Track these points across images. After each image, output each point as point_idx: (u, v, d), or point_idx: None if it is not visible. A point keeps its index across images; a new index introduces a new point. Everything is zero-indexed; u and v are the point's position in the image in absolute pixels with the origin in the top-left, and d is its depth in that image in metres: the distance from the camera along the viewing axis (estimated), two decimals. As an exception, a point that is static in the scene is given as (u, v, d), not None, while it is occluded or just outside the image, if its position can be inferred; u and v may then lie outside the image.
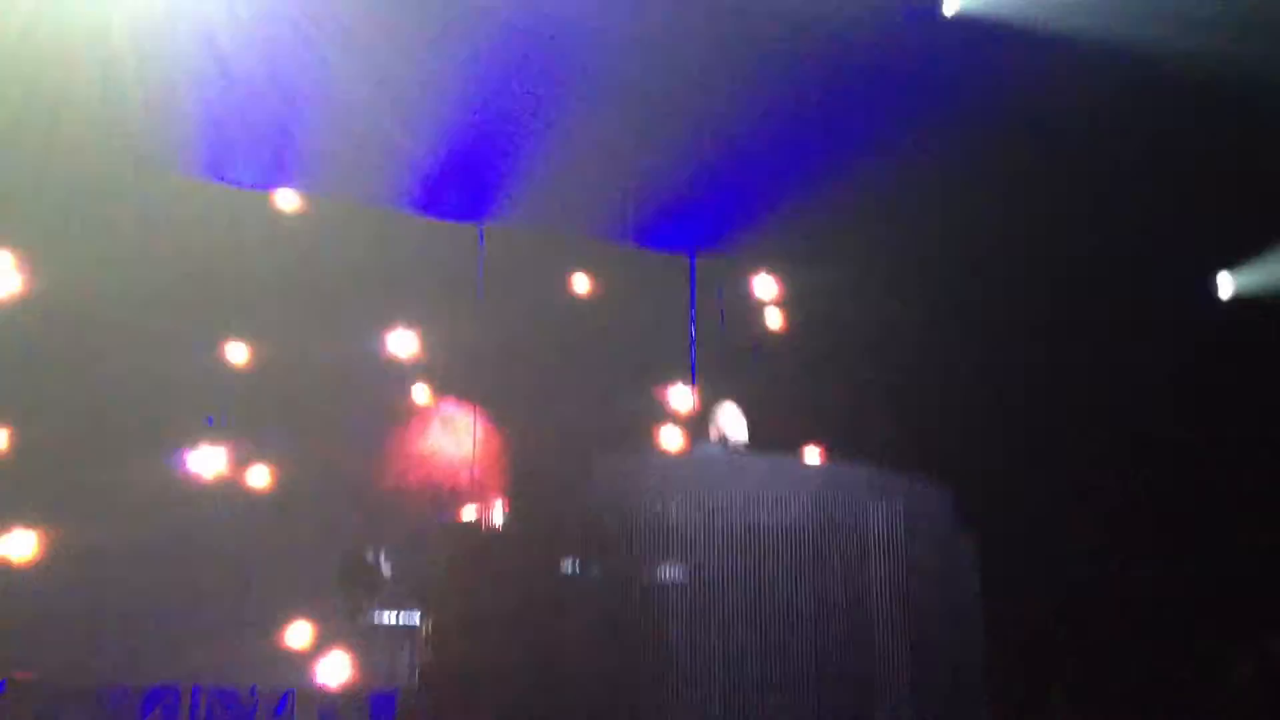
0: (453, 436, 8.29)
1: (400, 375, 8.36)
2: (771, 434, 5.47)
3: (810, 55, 7.10)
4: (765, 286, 9.38)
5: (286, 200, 8.30)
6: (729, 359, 8.91)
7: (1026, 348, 8.68)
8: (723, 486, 4.29)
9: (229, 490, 7.72)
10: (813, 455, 8.71)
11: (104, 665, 7.26)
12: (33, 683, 7.04)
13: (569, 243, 8.96)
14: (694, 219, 8.79)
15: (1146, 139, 7.59)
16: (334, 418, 7.94)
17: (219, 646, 7.37)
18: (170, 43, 6.76)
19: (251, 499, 7.77)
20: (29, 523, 7.26)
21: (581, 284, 8.96)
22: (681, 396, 8.98)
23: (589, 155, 7.91)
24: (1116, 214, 8.20)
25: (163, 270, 7.63)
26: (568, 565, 4.33)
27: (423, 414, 8.34)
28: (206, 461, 7.70)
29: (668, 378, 9.03)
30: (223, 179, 8.11)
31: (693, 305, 9.19)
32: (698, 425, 6.09)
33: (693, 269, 9.27)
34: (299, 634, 7.57)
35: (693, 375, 9.02)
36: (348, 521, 7.77)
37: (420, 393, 8.41)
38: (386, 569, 5.96)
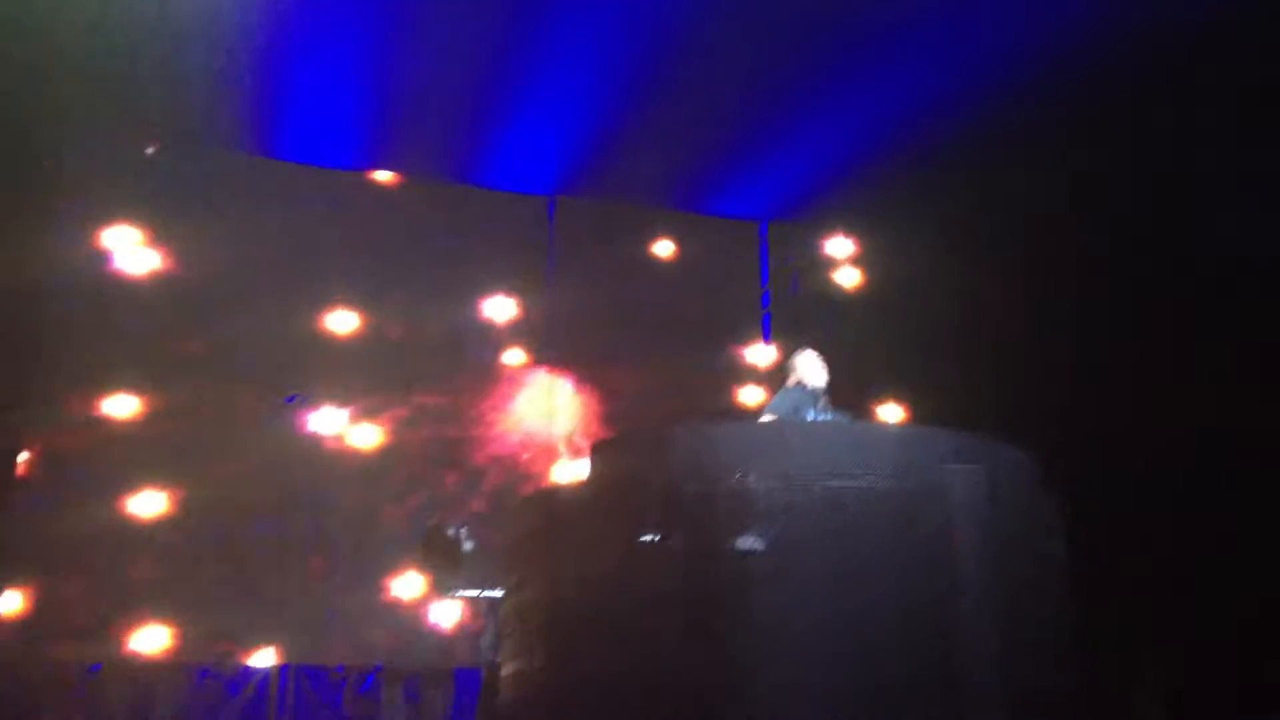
0: (543, 402, 8.39)
1: (496, 341, 8.53)
2: (851, 397, 5.42)
3: (882, 9, 6.97)
4: (840, 248, 9.27)
5: (382, 179, 8.53)
6: (804, 322, 8.85)
7: (1114, 307, 8.46)
8: (804, 452, 4.24)
9: (342, 450, 8.02)
10: (894, 418, 8.66)
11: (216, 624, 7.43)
12: (128, 662, 7.22)
13: (645, 212, 8.96)
14: (766, 185, 8.69)
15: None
16: (435, 382, 8.24)
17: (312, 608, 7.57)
18: (274, 35, 7.02)
19: (362, 459, 8.05)
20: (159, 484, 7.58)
21: (661, 251, 8.95)
22: (760, 357, 8.95)
23: (659, 125, 7.90)
24: (1208, 172, 7.97)
25: (274, 247, 8.08)
26: (650, 533, 4.31)
27: (517, 378, 8.44)
28: (324, 422, 8.00)
29: (746, 339, 9.01)
30: (324, 162, 8.34)
31: (764, 269, 9.16)
32: (776, 382, 6.03)
33: (764, 232, 9.22)
34: (397, 599, 7.74)
35: (766, 335, 8.98)
36: (443, 483, 7.99)
37: (514, 357, 8.50)
38: (467, 543, 5.98)
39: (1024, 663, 4.27)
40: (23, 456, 7.31)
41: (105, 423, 7.58)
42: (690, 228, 9.07)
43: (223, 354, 7.79)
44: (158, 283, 7.93)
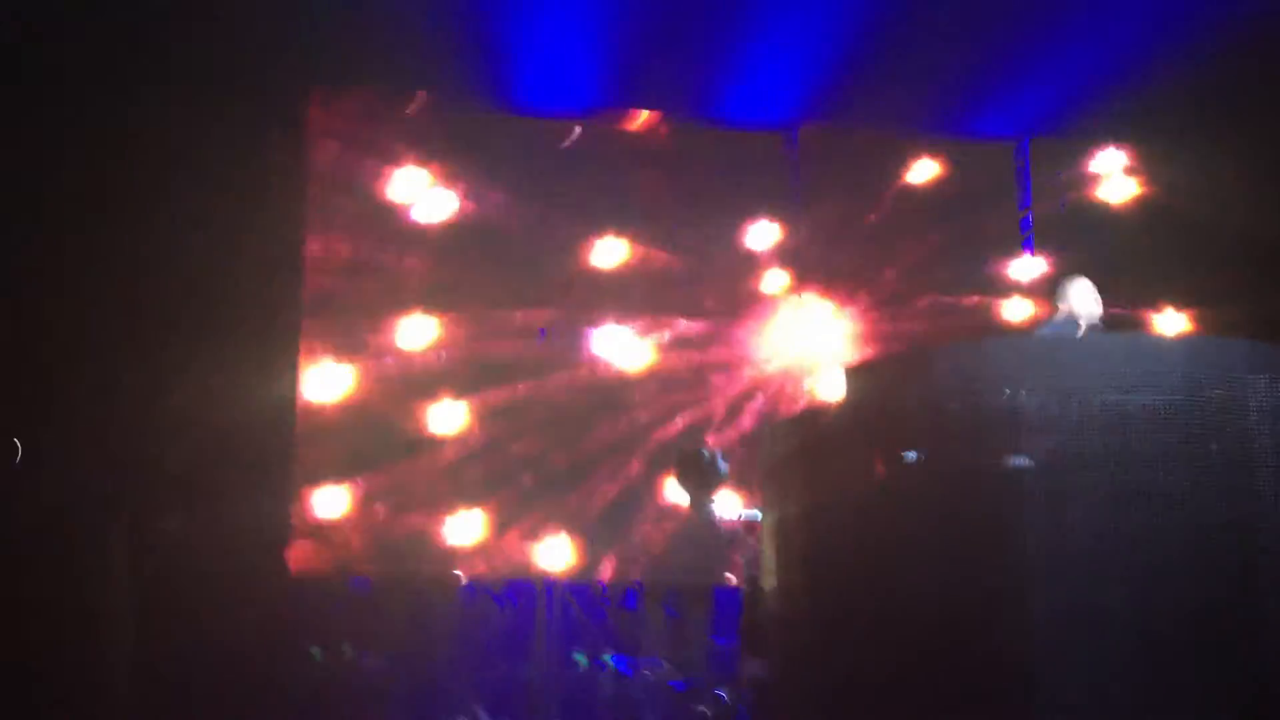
0: (804, 327, 8.34)
1: (757, 267, 8.52)
2: (1128, 306, 5.11)
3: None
4: (1111, 160, 8.75)
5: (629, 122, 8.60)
6: (1074, 238, 8.42)
7: None
8: (1079, 366, 4.01)
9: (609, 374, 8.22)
10: (1179, 329, 8.17)
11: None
12: (403, 576, 7.61)
13: (897, 139, 8.74)
14: (1026, 101, 8.27)
15: None
16: (699, 309, 8.32)
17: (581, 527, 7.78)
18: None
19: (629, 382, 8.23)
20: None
21: (917, 175, 8.75)
22: (1026, 269, 8.61)
23: (907, 49, 7.61)
24: None
25: (536, 194, 8.22)
26: (912, 455, 4.18)
27: (777, 304, 8.39)
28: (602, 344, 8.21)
29: (1008, 252, 8.68)
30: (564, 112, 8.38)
31: (1027, 184, 8.76)
32: (1047, 300, 5.78)
33: (1025, 149, 8.80)
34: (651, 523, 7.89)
35: (1028, 246, 8.59)
36: (706, 406, 8.04)
37: (775, 283, 8.46)
38: (724, 465, 5.98)
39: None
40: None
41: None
42: (947, 150, 8.73)
43: (504, 285, 8.05)
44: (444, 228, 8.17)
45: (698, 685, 7.26)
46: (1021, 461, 4.03)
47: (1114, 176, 8.78)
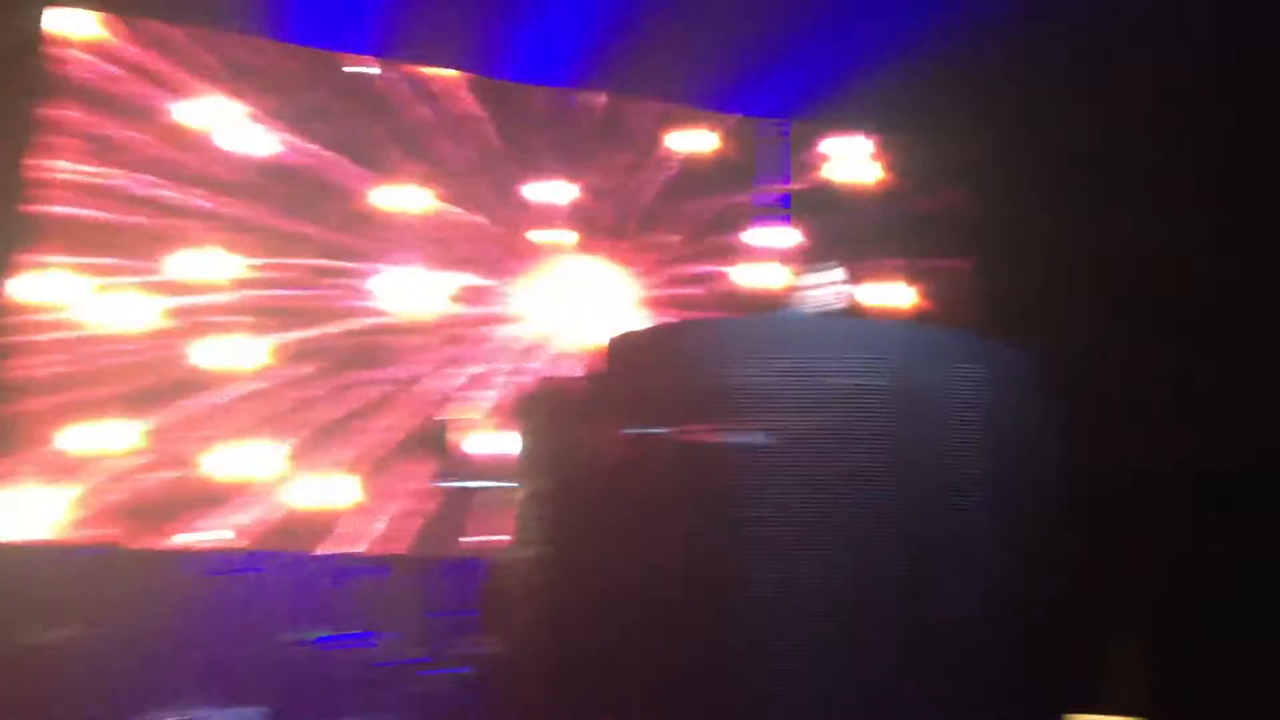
0: (585, 288, 8.34)
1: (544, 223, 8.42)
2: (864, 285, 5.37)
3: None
4: (857, 148, 9.18)
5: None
6: (825, 213, 8.85)
7: (1125, 219, 8.42)
8: (800, 346, 4.24)
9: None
10: (896, 316, 8.68)
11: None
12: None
13: (661, 107, 8.87)
14: (788, 85, 8.56)
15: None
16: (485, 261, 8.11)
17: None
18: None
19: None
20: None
21: (677, 144, 8.93)
22: (783, 241, 8.87)
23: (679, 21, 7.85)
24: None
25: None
26: (656, 426, 4.33)
27: (562, 263, 8.42)
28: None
29: (770, 224, 8.93)
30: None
31: (787, 166, 9.08)
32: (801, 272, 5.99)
33: (786, 132, 9.13)
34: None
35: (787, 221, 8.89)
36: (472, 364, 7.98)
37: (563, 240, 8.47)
38: (461, 436, 6.01)
39: (1013, 565, 4.30)
40: None
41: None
42: (721, 124, 8.94)
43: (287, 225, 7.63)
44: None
45: (425, 660, 7.20)
46: (748, 439, 4.24)
47: (862, 160, 9.19)
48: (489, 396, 7.94)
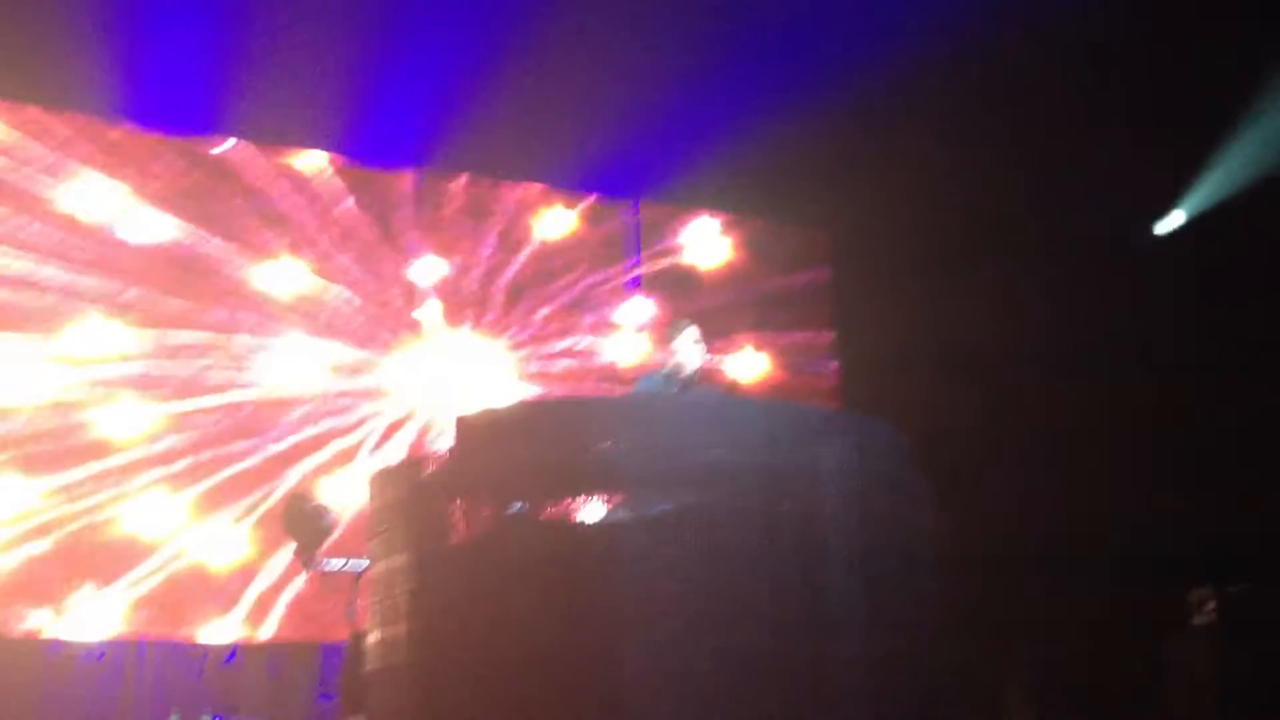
0: (450, 364, 8.38)
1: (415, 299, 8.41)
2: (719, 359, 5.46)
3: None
4: (708, 226, 9.35)
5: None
6: (677, 289, 9.10)
7: (983, 291, 8.70)
8: (671, 424, 4.22)
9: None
10: (762, 394, 8.83)
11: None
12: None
13: (518, 187, 8.90)
14: (635, 165, 8.80)
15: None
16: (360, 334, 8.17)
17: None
18: None
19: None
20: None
21: (537, 226, 8.94)
22: (638, 316, 8.97)
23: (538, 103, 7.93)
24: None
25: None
26: (514, 504, 4.26)
27: (431, 338, 8.40)
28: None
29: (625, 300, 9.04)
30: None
31: (638, 248, 9.24)
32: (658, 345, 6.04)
33: (635, 211, 9.31)
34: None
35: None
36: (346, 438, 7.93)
37: (431, 316, 8.47)
38: (331, 515, 5.87)
39: (893, 636, 4.30)
40: None
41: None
42: (564, 203, 9.05)
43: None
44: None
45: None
46: (616, 515, 4.19)
47: (709, 239, 9.34)
48: (356, 469, 7.86)
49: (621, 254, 9.13)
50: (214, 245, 7.76)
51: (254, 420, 7.67)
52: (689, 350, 5.76)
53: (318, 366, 8.05)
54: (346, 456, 8.01)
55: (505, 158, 8.61)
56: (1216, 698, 6.53)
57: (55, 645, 7.21)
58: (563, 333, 8.79)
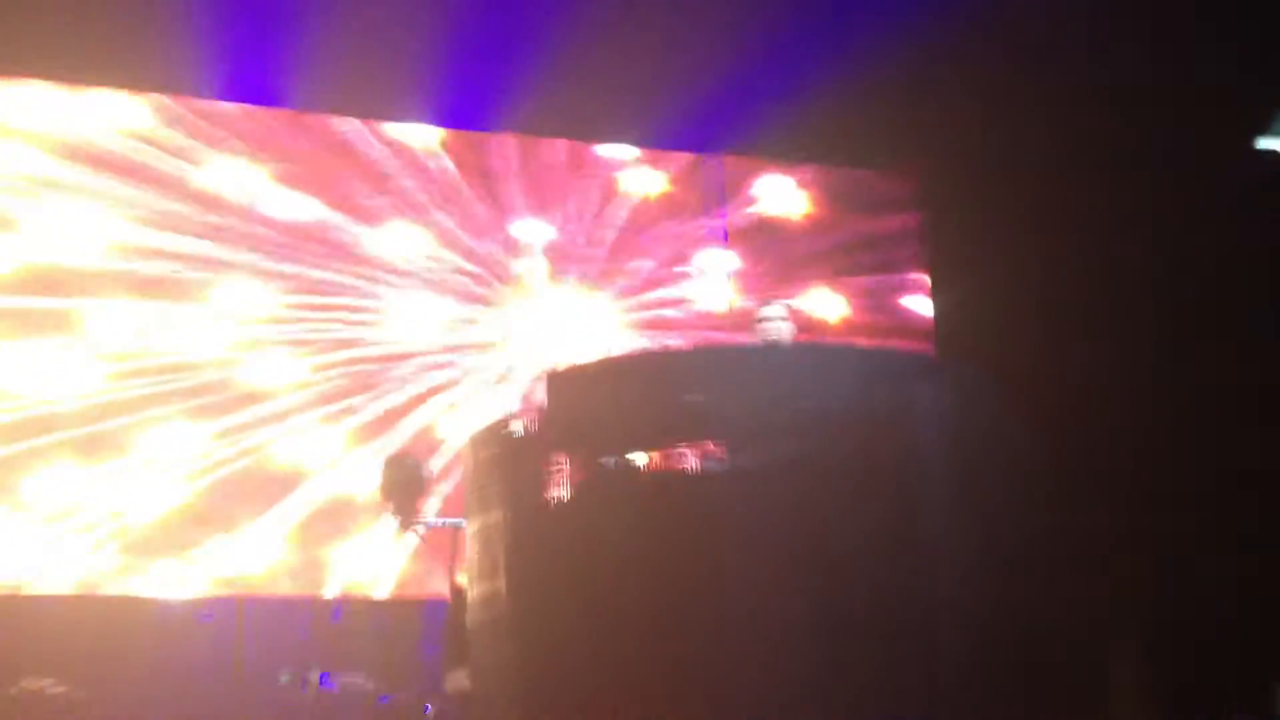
0: (553, 319, 8.57)
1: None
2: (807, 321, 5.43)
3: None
4: (791, 178, 9.31)
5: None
6: (762, 241, 9.05)
7: (1086, 239, 8.50)
8: (760, 374, 4.20)
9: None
10: (855, 340, 8.77)
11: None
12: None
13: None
14: (720, 119, 8.72)
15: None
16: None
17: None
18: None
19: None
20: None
21: (628, 183, 9.00)
22: (728, 269, 9.00)
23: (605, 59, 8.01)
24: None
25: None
26: (609, 456, 4.27)
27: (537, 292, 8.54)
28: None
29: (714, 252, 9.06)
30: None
31: (722, 200, 9.21)
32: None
33: (719, 166, 9.27)
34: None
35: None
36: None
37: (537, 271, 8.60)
38: (427, 472, 5.96)
39: (995, 579, 4.25)
40: None
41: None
42: (654, 161, 9.07)
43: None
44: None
45: (405, 698, 7.16)
46: (710, 466, 4.19)
47: (794, 189, 9.32)
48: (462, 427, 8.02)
49: (712, 206, 9.11)
50: (334, 215, 8.00)
51: (374, 374, 7.93)
52: (779, 325, 5.78)
53: (430, 322, 8.25)
54: (453, 409, 8.17)
55: (594, 118, 8.63)
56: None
57: (167, 605, 7.41)
58: (658, 283, 8.84)
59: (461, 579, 5.70)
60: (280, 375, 7.75)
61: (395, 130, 8.35)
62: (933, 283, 9.28)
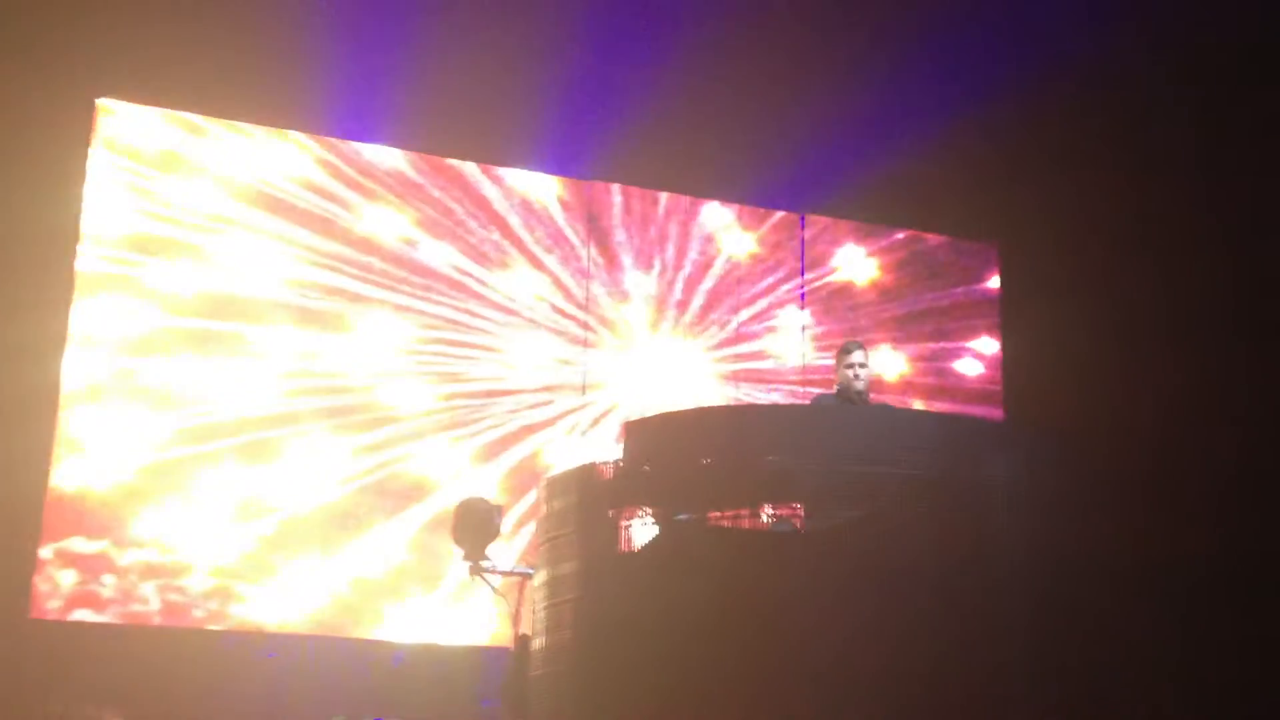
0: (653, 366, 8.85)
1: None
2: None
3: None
4: (863, 243, 9.44)
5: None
6: (836, 304, 9.23)
7: (1154, 301, 8.46)
8: (839, 436, 4.21)
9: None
10: (930, 406, 8.77)
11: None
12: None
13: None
14: (799, 179, 8.92)
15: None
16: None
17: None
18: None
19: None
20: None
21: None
22: (803, 328, 9.13)
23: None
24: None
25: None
26: (684, 512, 4.29)
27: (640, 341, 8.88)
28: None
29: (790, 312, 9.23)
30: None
31: (802, 259, 9.32)
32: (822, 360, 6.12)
33: (801, 223, 9.38)
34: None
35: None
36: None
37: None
38: (500, 519, 5.96)
39: (1062, 649, 4.24)
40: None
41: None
42: (745, 219, 9.25)
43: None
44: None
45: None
46: (786, 525, 4.20)
47: (876, 254, 9.45)
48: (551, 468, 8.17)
49: (796, 267, 9.29)
50: (459, 258, 8.47)
51: (481, 408, 8.34)
52: (855, 371, 5.77)
53: (534, 362, 8.58)
54: (548, 447, 8.46)
55: (691, 174, 8.94)
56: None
57: (229, 638, 7.47)
58: (744, 339, 9.06)
59: (526, 630, 5.69)
60: (412, 401, 8.24)
61: (516, 180, 8.77)
62: (1003, 350, 9.26)
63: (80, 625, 7.24)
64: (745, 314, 9.11)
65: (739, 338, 9.09)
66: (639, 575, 4.36)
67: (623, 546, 4.44)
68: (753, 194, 9.17)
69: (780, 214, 9.32)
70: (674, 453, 4.37)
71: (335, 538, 7.81)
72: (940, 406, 9.06)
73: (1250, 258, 8.30)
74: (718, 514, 4.21)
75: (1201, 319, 8.45)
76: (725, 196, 9.20)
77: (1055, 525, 4.35)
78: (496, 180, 8.68)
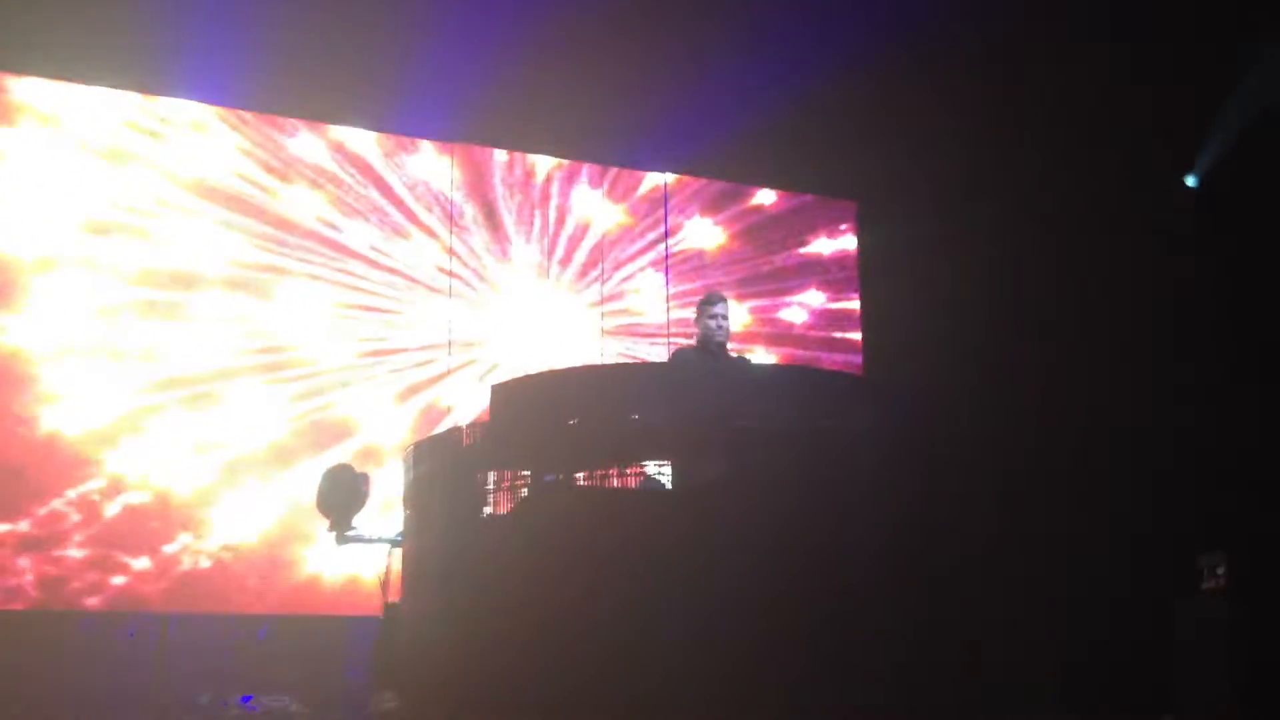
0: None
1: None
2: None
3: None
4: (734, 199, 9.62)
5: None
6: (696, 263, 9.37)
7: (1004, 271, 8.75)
8: (703, 392, 4.23)
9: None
10: (791, 361, 8.93)
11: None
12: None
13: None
14: (671, 139, 9.01)
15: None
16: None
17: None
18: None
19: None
20: None
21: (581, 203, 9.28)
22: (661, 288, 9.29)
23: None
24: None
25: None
26: (550, 473, 4.27)
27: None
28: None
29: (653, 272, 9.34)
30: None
31: (665, 220, 9.42)
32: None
33: (664, 190, 9.46)
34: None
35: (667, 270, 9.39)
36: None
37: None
38: (367, 486, 5.87)
39: (922, 600, 4.34)
40: None
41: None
42: (600, 177, 9.32)
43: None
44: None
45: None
46: (651, 483, 4.21)
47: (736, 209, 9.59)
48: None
49: (659, 224, 9.37)
50: (362, 229, 8.61)
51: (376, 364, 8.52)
52: (718, 322, 5.78)
53: (428, 322, 8.66)
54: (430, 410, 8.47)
55: (558, 136, 8.98)
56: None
57: (89, 620, 7.26)
58: (615, 297, 9.19)
59: (393, 598, 5.64)
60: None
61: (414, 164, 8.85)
62: (863, 305, 9.46)
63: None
64: (612, 278, 9.21)
65: (612, 297, 9.21)
66: (506, 539, 4.33)
67: (489, 510, 4.40)
68: (618, 155, 9.26)
69: (646, 178, 9.38)
70: (540, 413, 4.34)
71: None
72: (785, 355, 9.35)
73: (1096, 220, 8.62)
74: (585, 474, 4.19)
75: (1049, 277, 8.76)
76: (594, 158, 9.26)
77: (914, 475, 4.45)
78: (397, 165, 8.80)
